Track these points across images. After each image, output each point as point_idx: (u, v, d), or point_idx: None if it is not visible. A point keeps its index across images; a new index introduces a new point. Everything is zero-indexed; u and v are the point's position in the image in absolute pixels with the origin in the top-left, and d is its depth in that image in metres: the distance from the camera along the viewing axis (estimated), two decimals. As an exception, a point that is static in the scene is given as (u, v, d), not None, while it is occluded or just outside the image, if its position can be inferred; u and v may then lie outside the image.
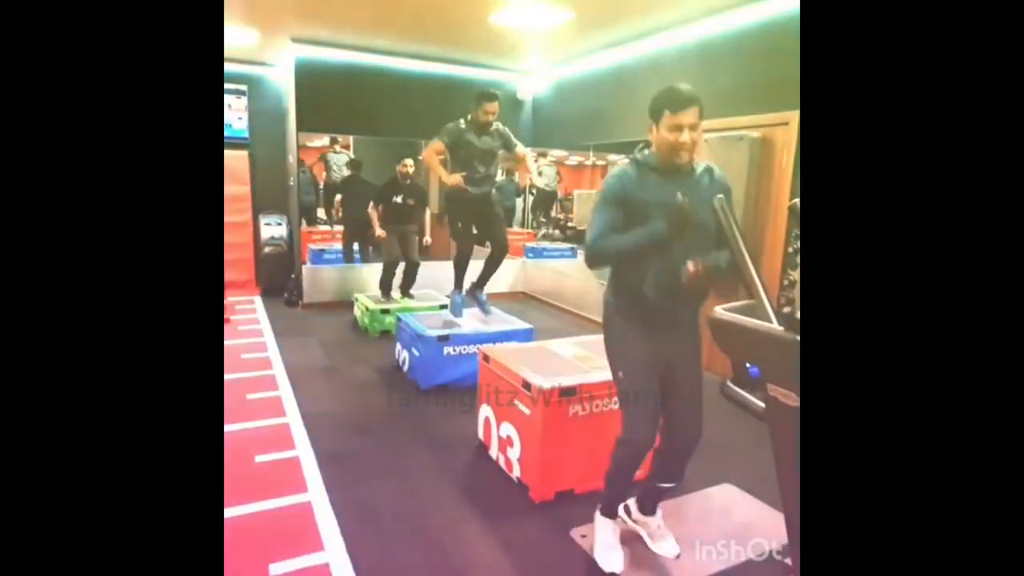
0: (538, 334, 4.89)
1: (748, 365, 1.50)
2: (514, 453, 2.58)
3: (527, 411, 2.46)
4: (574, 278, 6.36)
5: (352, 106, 6.12)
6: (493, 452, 2.78)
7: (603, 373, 2.54)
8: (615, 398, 2.48)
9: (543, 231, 9.30)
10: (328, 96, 5.95)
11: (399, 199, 5.28)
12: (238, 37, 5.46)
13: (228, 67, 6.56)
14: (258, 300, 6.21)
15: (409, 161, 5.29)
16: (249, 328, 5.10)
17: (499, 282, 6.97)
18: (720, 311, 1.24)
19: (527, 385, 2.44)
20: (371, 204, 5.38)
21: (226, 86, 6.55)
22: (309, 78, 5.78)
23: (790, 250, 3.56)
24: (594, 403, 2.45)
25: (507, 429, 2.63)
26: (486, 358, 2.83)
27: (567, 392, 2.39)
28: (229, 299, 5.90)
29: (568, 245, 8.29)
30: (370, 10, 4.71)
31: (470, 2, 4.32)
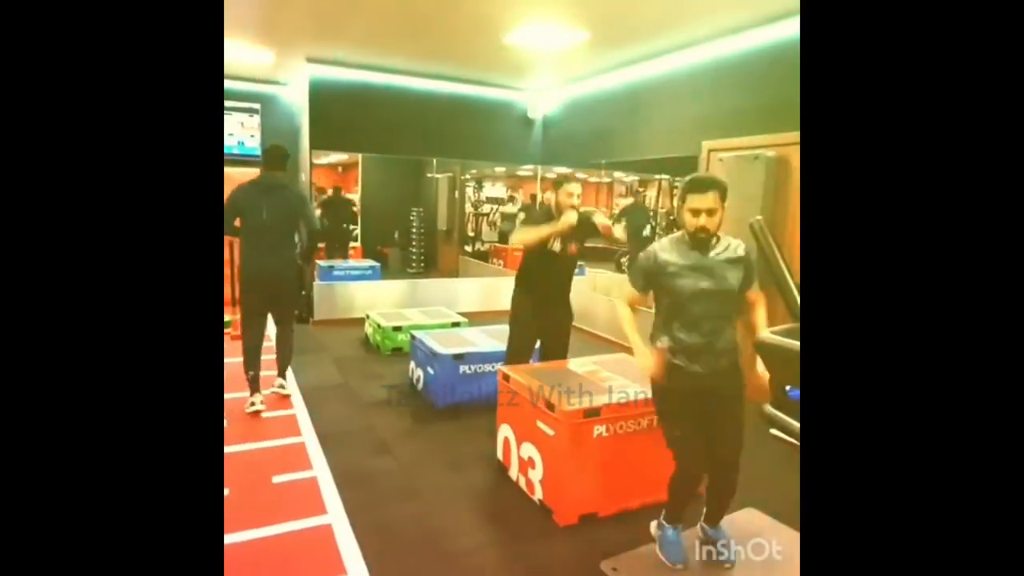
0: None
1: (788, 388, 1.48)
2: (536, 475, 2.54)
3: (551, 432, 2.43)
4: (582, 295, 6.34)
5: (364, 125, 6.17)
6: (513, 473, 2.74)
7: (626, 393, 2.52)
8: (640, 419, 2.46)
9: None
10: (341, 114, 6.00)
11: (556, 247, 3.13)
12: (254, 57, 5.52)
13: (242, 86, 6.64)
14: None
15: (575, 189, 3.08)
16: (261, 345, 5.07)
17: (508, 300, 6.97)
18: (768, 334, 1.22)
19: (551, 406, 2.41)
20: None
21: (239, 105, 6.62)
22: (323, 97, 5.83)
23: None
24: (618, 424, 2.42)
25: (528, 450, 2.59)
26: (506, 377, 2.80)
27: (592, 413, 2.36)
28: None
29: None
30: (384, 30, 4.76)
31: (484, 22, 4.37)
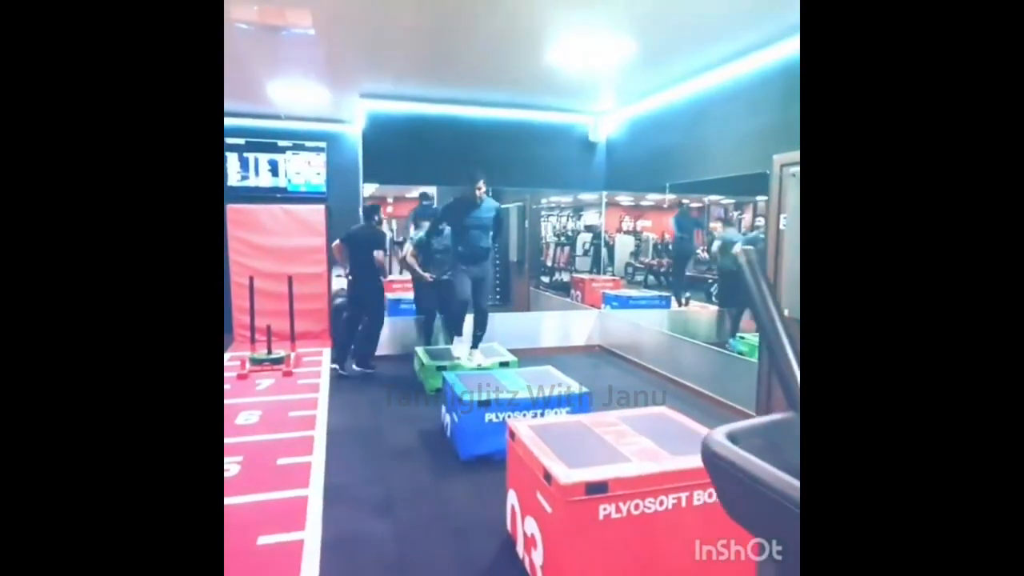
0: (605, 396, 4.39)
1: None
2: (538, 557, 2.12)
3: (548, 508, 2.01)
4: (653, 331, 5.76)
5: (421, 157, 6.09)
6: (519, 549, 2.33)
7: (648, 464, 2.05)
8: (660, 497, 1.98)
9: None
10: (397, 148, 5.96)
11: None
12: (312, 96, 5.64)
13: (309, 126, 6.87)
14: (327, 352, 6.18)
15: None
16: (308, 382, 5.02)
17: (575, 335, 6.53)
18: (717, 436, 0.72)
19: (548, 476, 2.00)
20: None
21: (306, 144, 6.84)
22: (377, 131, 5.84)
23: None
24: (633, 502, 1.95)
25: (531, 526, 2.18)
26: (512, 435, 2.42)
27: (596, 488, 1.92)
28: (299, 350, 5.92)
29: (658, 293, 7.63)
30: (429, 60, 4.65)
31: (525, 43, 4.11)
